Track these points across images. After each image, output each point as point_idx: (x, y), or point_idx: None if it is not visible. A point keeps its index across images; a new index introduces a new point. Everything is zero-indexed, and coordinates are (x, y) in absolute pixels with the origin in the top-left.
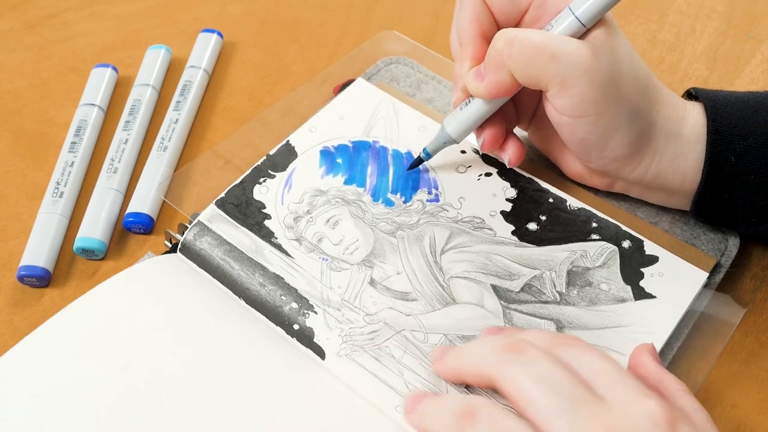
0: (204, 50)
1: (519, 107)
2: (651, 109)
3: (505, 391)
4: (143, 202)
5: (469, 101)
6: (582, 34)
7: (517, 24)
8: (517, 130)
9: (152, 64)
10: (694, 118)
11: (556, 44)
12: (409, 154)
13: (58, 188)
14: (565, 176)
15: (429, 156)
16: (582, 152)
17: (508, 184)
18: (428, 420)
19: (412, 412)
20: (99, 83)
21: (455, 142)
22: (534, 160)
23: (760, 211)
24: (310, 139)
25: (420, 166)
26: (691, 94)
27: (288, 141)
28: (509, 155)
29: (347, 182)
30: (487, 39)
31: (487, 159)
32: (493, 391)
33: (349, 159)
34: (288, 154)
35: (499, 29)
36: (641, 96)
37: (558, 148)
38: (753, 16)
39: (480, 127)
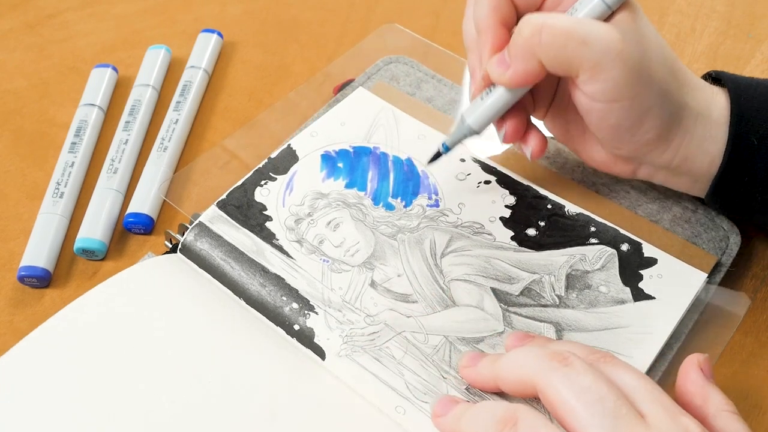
0: (204, 50)
1: (535, 96)
2: (680, 90)
3: (548, 399)
4: (143, 203)
5: (491, 90)
6: (608, 16)
7: (539, 8)
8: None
9: (152, 64)
10: (721, 100)
11: (587, 29)
12: (409, 160)
13: (58, 188)
14: (563, 182)
15: (448, 149)
16: (613, 138)
17: (507, 192)
18: (464, 423)
19: (442, 416)
20: (99, 83)
21: (476, 133)
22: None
23: None
24: (311, 143)
25: (420, 173)
26: (711, 77)
27: (289, 145)
28: (532, 147)
29: (348, 186)
30: (507, 26)
31: (486, 167)
32: (528, 400)
33: (350, 163)
34: (289, 158)
35: (519, 16)
36: (670, 77)
37: (579, 137)
38: (753, 16)
39: (501, 119)
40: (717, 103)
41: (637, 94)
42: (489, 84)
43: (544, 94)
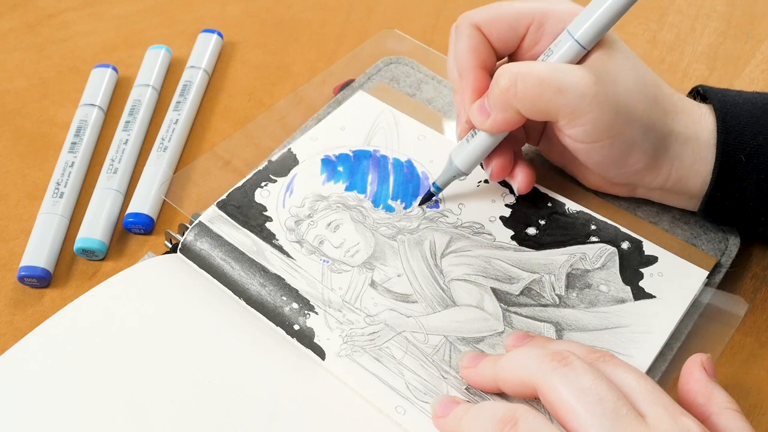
0: (204, 50)
1: (527, 124)
2: (664, 119)
3: (547, 400)
4: (143, 203)
5: (475, 133)
6: (584, 56)
7: (517, 48)
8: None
9: (152, 64)
10: (708, 121)
11: (560, 76)
12: (409, 162)
13: (58, 188)
14: (563, 180)
15: (439, 190)
16: (601, 171)
17: (507, 190)
18: (465, 423)
19: (443, 417)
20: (99, 83)
21: (464, 174)
22: (533, 161)
23: None
24: (311, 147)
25: (420, 174)
26: (698, 92)
27: (290, 149)
28: (518, 182)
29: (348, 189)
30: (487, 69)
31: None
32: (529, 401)
33: (350, 167)
34: (289, 161)
35: (498, 57)
36: (652, 108)
37: (574, 161)
38: (753, 16)
39: (487, 157)
40: (705, 124)
41: (618, 132)
42: (473, 127)
43: (536, 123)
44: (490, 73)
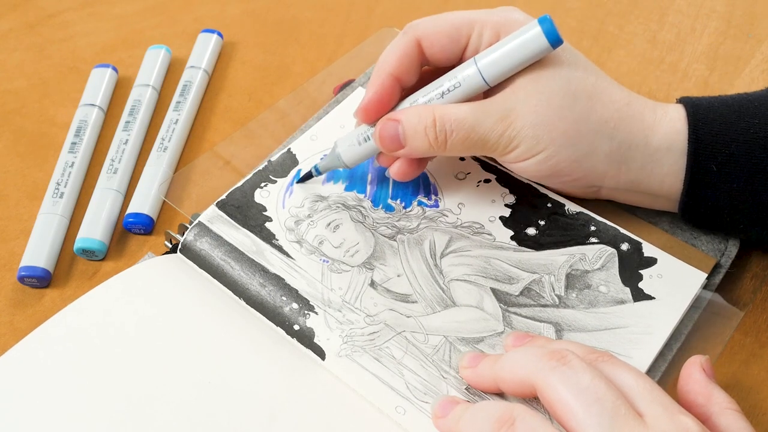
0: (204, 50)
1: None
2: (601, 128)
3: (546, 399)
4: (143, 203)
5: (368, 137)
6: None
7: (460, 59)
8: None
9: (152, 65)
10: (666, 125)
11: (482, 127)
12: None
13: (58, 189)
14: None
15: (320, 173)
16: (542, 182)
17: (507, 190)
18: (463, 423)
19: (443, 417)
20: (99, 83)
21: (347, 167)
22: None
23: (747, 217)
24: (311, 147)
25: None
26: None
27: (289, 149)
28: (396, 169)
29: (348, 189)
30: (399, 82)
31: (486, 166)
32: (528, 401)
33: None
34: (289, 161)
35: (441, 66)
36: (583, 120)
37: None
38: (753, 16)
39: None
40: (660, 129)
41: (542, 149)
42: (369, 122)
43: None
44: (403, 86)
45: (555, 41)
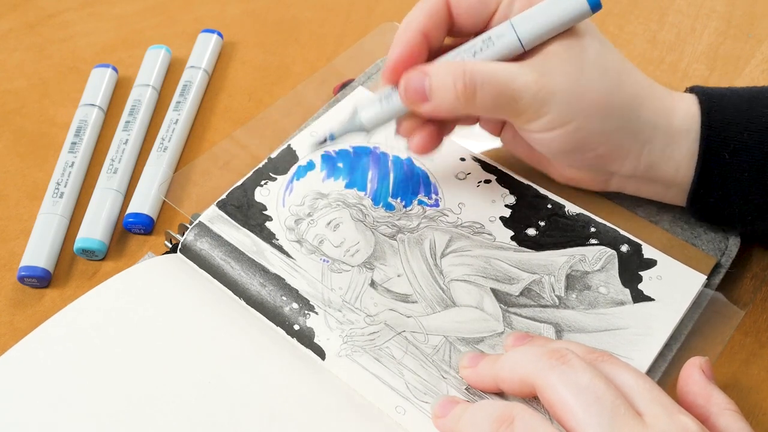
0: (204, 50)
1: (484, 118)
2: (631, 103)
3: (546, 398)
4: (143, 203)
5: (391, 96)
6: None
7: (486, 24)
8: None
9: (152, 65)
10: (683, 109)
11: (515, 82)
12: (409, 160)
13: (58, 189)
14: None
15: (334, 139)
16: (564, 159)
17: (507, 191)
18: (463, 423)
19: (443, 417)
20: (99, 83)
21: (367, 131)
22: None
23: (756, 208)
24: (311, 143)
25: (420, 172)
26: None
27: (289, 145)
28: (414, 142)
29: (348, 186)
30: (428, 39)
31: (487, 166)
32: (528, 400)
33: (350, 164)
34: (289, 158)
35: (464, 33)
36: (613, 94)
37: (542, 157)
38: (753, 16)
39: (409, 127)
40: (679, 111)
41: (571, 120)
42: (395, 82)
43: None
44: (431, 47)
45: (595, 5)
